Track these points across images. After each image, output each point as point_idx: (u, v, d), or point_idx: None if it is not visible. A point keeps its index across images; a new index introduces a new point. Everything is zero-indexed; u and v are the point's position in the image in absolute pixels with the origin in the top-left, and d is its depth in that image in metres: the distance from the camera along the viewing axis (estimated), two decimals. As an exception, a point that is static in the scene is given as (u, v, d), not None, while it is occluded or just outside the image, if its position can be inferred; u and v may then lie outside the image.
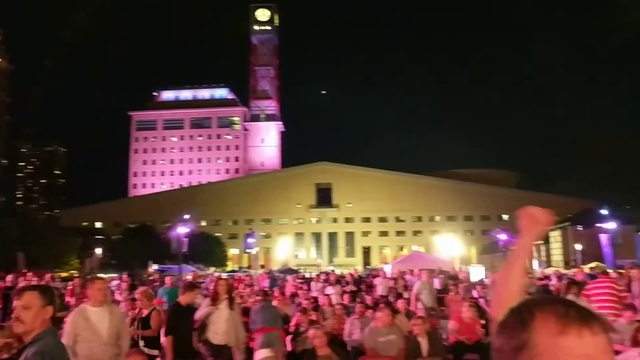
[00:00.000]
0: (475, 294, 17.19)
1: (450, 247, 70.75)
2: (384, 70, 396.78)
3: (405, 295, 15.63)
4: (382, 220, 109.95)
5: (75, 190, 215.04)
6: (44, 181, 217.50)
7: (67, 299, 15.43)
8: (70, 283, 18.72)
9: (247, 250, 64.25)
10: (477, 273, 31.07)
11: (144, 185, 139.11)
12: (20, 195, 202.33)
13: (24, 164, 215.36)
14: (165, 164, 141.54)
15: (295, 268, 64.88)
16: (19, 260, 47.93)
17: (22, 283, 13.60)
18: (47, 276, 20.01)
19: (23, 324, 3.15)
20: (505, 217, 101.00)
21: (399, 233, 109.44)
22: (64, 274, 51.39)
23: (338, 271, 47.57)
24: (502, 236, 49.06)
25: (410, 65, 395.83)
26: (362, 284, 21.74)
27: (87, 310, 5.94)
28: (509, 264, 1.84)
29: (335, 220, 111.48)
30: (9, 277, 15.58)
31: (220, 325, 8.04)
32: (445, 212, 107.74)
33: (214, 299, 8.20)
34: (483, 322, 10.19)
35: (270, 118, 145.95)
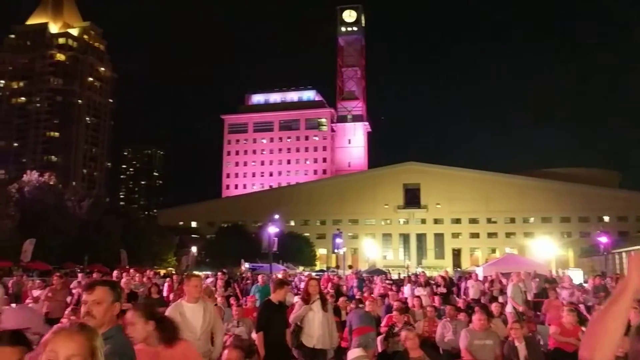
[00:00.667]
0: (574, 299, 16.31)
1: (546, 249, 67.57)
2: (473, 67, 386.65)
3: (501, 299, 15.07)
4: (473, 221, 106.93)
5: (171, 191, 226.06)
6: (144, 182, 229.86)
7: (166, 294, 16.17)
8: (167, 279, 19.64)
9: (335, 251, 64.48)
10: (575, 277, 29.51)
11: (236, 186, 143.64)
12: (123, 196, 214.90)
13: (125, 166, 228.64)
14: (255, 166, 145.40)
15: (383, 269, 64.52)
16: (121, 257, 50.92)
17: (125, 279, 14.38)
18: (150, 272, 21.05)
19: (94, 319, 3.15)
20: (606, 218, 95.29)
21: (491, 235, 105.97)
22: (162, 271, 54.05)
23: (427, 273, 46.78)
24: (603, 239, 46.06)
25: (501, 62, 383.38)
26: (453, 287, 21.22)
27: (182, 305, 6.13)
28: (608, 309, 1.65)
29: (423, 221, 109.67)
30: (115, 273, 16.52)
31: (315, 328, 7.85)
32: (540, 213, 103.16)
33: (306, 300, 8.02)
34: (584, 329, 9.62)
35: (357, 119, 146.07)
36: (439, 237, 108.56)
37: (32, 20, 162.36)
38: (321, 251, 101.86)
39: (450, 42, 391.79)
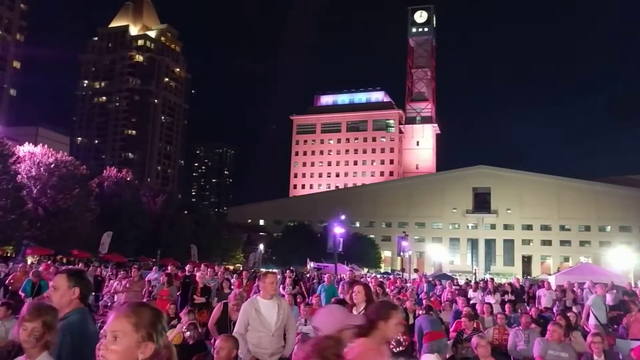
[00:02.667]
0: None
1: (624, 260, 64.29)
2: (545, 67, 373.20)
3: (574, 309, 14.52)
4: (545, 228, 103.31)
5: (241, 189, 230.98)
6: (215, 180, 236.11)
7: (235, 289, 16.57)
8: (234, 276, 20.14)
9: (401, 254, 63.82)
10: (657, 290, 27.93)
11: (303, 186, 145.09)
12: (194, 193, 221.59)
13: (197, 164, 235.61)
14: (323, 166, 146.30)
15: (449, 274, 63.40)
16: (192, 251, 52.53)
17: (198, 273, 14.88)
18: (221, 268, 21.65)
19: (51, 302, 3.58)
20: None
21: (564, 243, 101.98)
22: (230, 267, 55.34)
23: (495, 279, 45.37)
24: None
25: (578, 62, 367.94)
26: (523, 294, 20.63)
27: (258, 301, 6.30)
28: None
29: (493, 226, 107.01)
30: (188, 267, 17.13)
31: None
32: (618, 221, 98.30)
33: (350, 311, 6.75)
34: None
35: (425, 120, 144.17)
36: (509, 243, 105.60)
37: (114, 23, 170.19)
38: (386, 253, 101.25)
39: (523, 41, 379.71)
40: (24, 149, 48.01)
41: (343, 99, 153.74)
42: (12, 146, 46.32)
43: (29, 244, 43.59)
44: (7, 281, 15.30)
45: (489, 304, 12.74)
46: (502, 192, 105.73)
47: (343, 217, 62.64)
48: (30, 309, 3.25)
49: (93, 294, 17.42)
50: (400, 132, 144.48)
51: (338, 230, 42.21)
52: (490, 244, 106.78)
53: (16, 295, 13.38)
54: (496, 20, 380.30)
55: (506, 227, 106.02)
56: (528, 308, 15.87)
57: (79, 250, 44.94)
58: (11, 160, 43.82)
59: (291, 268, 25.62)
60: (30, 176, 44.98)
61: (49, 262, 27.72)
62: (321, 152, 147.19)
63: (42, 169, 45.52)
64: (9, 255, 42.16)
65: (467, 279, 54.10)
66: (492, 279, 24.37)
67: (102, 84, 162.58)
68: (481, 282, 22.82)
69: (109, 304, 17.52)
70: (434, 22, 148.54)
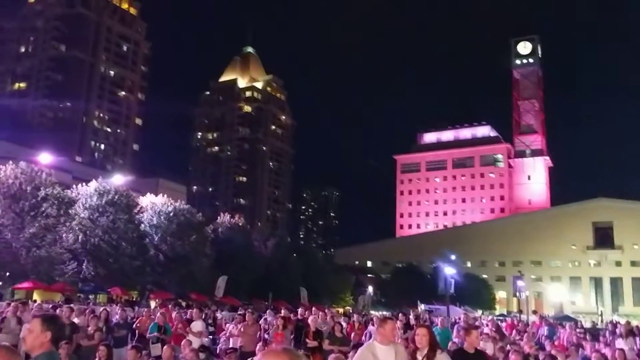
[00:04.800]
0: None
1: None
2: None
3: None
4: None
5: (347, 231, 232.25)
6: (321, 222, 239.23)
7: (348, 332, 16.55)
8: (344, 318, 20.12)
9: (517, 294, 60.68)
10: None
11: (409, 226, 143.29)
12: (302, 235, 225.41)
13: (304, 207, 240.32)
14: (429, 205, 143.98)
15: (572, 316, 59.42)
16: (301, 294, 53.17)
17: (311, 317, 15.07)
18: (332, 311, 21.77)
19: (25, 344, 4.09)
20: None
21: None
22: (339, 309, 55.24)
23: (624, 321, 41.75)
24: None
25: None
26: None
27: (375, 347, 6.28)
28: None
29: (618, 263, 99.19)
30: (300, 310, 17.39)
31: None
32: None
33: (413, 357, 6.53)
34: None
35: (536, 153, 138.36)
36: (638, 281, 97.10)
37: (224, 77, 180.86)
38: (501, 294, 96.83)
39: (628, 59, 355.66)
40: (146, 199, 51.52)
41: (447, 135, 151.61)
42: (136, 197, 49.92)
43: (151, 289, 46.28)
44: (134, 325, 16.32)
45: (622, 349, 11.78)
46: (627, 225, 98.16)
47: (453, 257, 61.08)
48: None
49: (210, 337, 18.10)
50: (510, 166, 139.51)
51: (449, 270, 41.19)
52: (616, 282, 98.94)
53: (144, 338, 14.21)
54: (606, 44, 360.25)
55: (634, 263, 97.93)
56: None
57: (197, 294, 46.89)
58: (135, 210, 47.16)
59: (404, 312, 25.19)
60: (152, 225, 47.95)
61: (169, 305, 29.15)
62: (427, 191, 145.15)
63: (162, 217, 48.37)
64: (134, 299, 44.90)
65: (593, 322, 50.30)
66: (628, 322, 22.44)
67: (215, 134, 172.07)
68: (610, 325, 21.12)
69: (224, 347, 18.08)
70: (539, 53, 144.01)
